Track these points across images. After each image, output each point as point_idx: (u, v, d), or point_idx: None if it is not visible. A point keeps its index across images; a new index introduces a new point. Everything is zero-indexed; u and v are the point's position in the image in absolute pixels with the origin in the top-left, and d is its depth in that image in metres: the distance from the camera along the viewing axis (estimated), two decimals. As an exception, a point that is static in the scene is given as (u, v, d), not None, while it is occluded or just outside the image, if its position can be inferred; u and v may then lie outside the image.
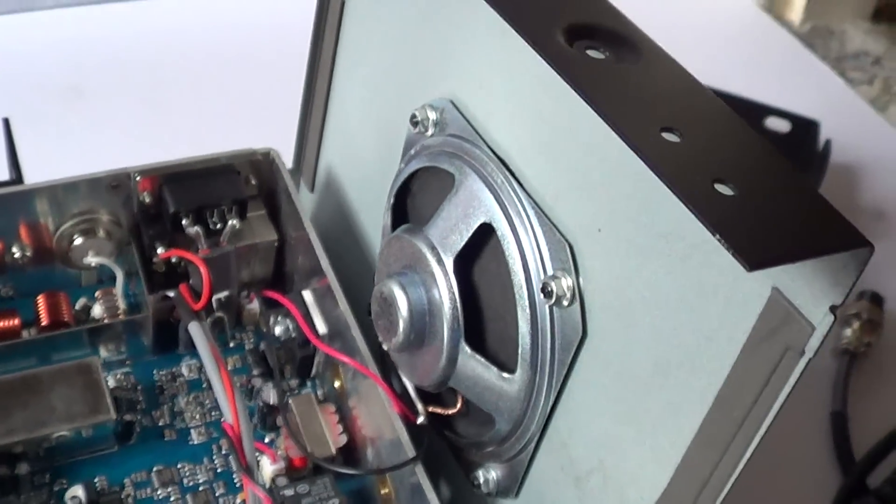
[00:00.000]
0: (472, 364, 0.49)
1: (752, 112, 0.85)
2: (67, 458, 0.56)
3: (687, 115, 0.37)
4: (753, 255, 0.31)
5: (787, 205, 0.34)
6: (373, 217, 0.59)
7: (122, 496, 0.56)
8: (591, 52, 0.39)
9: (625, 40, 0.40)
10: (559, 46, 0.39)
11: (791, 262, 0.32)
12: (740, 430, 0.38)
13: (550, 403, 0.47)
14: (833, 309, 0.34)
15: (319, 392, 0.60)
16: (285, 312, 0.59)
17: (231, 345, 0.62)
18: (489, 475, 0.52)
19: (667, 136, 0.35)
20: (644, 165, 0.36)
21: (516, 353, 0.47)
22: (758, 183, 0.35)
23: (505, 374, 0.48)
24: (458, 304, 0.49)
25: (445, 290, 0.49)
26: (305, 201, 0.67)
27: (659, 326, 0.41)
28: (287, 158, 0.64)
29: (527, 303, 0.46)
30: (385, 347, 0.52)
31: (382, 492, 0.55)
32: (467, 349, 0.49)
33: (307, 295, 0.59)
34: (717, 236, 0.31)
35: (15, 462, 0.54)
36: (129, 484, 0.56)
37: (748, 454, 0.38)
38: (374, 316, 0.52)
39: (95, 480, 0.56)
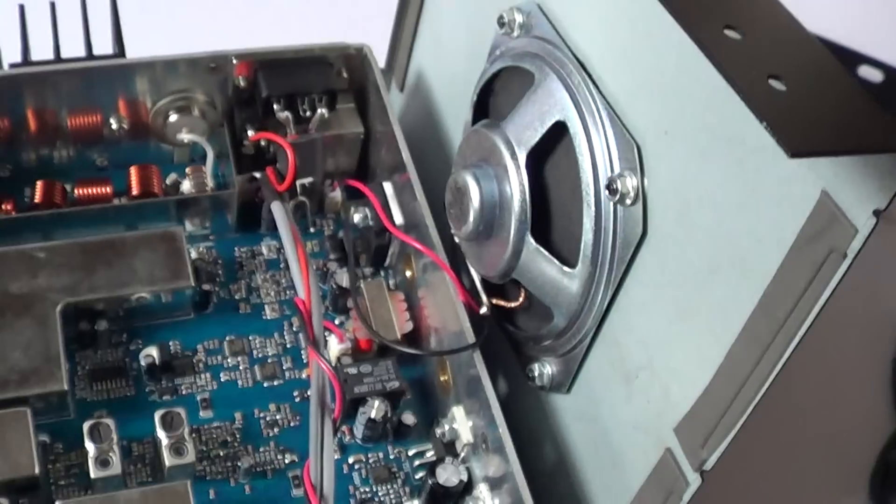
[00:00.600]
0: (536, 257, 0.51)
1: (843, 59, 0.84)
2: (145, 320, 0.59)
3: (750, 13, 0.38)
4: (795, 143, 0.32)
5: (836, 103, 0.35)
6: (456, 119, 0.61)
7: (194, 360, 0.58)
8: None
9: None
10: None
11: (832, 154, 0.33)
12: (781, 330, 0.39)
13: (607, 300, 0.49)
14: (877, 213, 0.35)
15: (391, 281, 0.62)
16: (365, 202, 0.61)
17: (311, 230, 0.64)
18: (544, 369, 0.54)
19: (729, 32, 0.37)
20: (712, 68, 0.37)
21: (578, 249, 0.48)
22: (811, 81, 0.36)
23: (566, 269, 0.49)
24: (528, 198, 0.50)
25: (516, 184, 0.51)
26: (394, 100, 0.69)
27: (714, 228, 0.42)
28: (379, 58, 0.65)
29: (592, 200, 0.47)
30: (455, 236, 0.54)
31: (441, 378, 0.57)
32: (532, 242, 0.50)
33: (388, 186, 0.61)
34: (765, 123, 0.33)
35: (95, 318, 0.57)
36: (202, 350, 0.59)
37: (787, 354, 0.39)
38: (447, 205, 0.54)
39: (170, 343, 0.58)
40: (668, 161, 0.44)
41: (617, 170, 0.47)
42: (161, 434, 0.54)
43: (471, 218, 0.52)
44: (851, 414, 0.66)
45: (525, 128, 0.50)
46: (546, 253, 0.50)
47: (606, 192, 0.47)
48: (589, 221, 0.48)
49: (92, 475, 0.52)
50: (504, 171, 0.51)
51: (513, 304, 0.55)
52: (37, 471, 0.52)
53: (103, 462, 0.53)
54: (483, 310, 0.55)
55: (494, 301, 0.55)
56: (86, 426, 0.53)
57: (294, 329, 0.60)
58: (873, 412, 0.68)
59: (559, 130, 0.49)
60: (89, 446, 0.53)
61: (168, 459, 0.53)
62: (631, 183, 0.46)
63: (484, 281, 0.56)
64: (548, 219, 0.51)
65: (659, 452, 0.46)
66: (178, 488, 0.52)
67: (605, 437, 0.51)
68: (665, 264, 0.45)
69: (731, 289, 0.42)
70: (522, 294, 0.54)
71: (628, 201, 0.46)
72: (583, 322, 0.50)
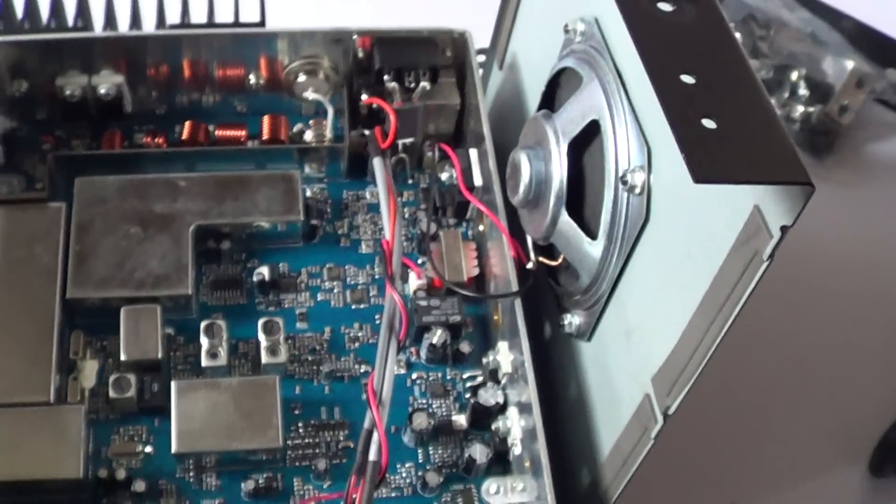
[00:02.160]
0: (568, 227, 0.62)
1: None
2: (261, 244, 0.72)
3: (709, 63, 0.49)
4: (700, 173, 0.43)
5: (756, 141, 0.46)
6: (535, 101, 0.72)
7: (297, 281, 0.72)
8: (661, 5, 0.51)
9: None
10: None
11: (729, 183, 0.44)
12: (721, 310, 0.50)
13: (619, 269, 0.59)
14: (783, 228, 0.46)
15: (469, 233, 0.74)
16: (452, 163, 0.73)
17: (409, 181, 0.76)
18: (573, 319, 0.65)
19: (685, 77, 0.47)
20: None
21: (599, 225, 0.59)
22: (741, 122, 0.46)
23: (589, 240, 0.61)
24: (565, 179, 0.62)
25: (557, 167, 0.62)
26: (494, 77, 0.80)
27: (689, 223, 0.53)
28: (480, 39, 0.77)
29: (612, 187, 0.58)
30: (511, 200, 0.66)
31: (494, 318, 0.69)
32: (566, 215, 0.62)
33: (472, 153, 0.73)
34: (683, 154, 0.43)
35: (221, 239, 0.71)
36: (305, 273, 0.72)
37: (725, 329, 0.50)
38: (507, 176, 0.66)
39: (279, 265, 0.72)
40: (668, 165, 0.55)
41: (631, 165, 0.57)
42: (262, 337, 0.67)
43: (521, 189, 0.64)
44: (857, 393, 0.77)
45: (569, 122, 0.62)
46: (575, 225, 0.61)
47: (621, 183, 0.58)
48: (608, 203, 0.58)
49: (203, 364, 0.66)
50: (550, 155, 0.62)
51: (553, 263, 0.66)
52: (160, 356, 0.66)
53: (213, 354, 0.66)
54: (530, 265, 0.67)
55: (541, 258, 0.67)
56: (203, 324, 0.67)
57: (382, 265, 0.73)
58: (883, 393, 0.78)
59: (594, 127, 0.60)
60: (203, 341, 0.67)
61: (265, 358, 0.67)
62: (640, 178, 0.57)
63: (535, 242, 0.67)
64: (580, 198, 0.62)
65: (641, 397, 0.57)
66: (269, 381, 0.65)
67: (609, 381, 0.62)
68: (657, 246, 0.56)
69: (694, 273, 0.52)
70: (561, 256, 0.66)
71: (637, 192, 0.57)
72: (600, 284, 0.61)
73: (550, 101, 0.67)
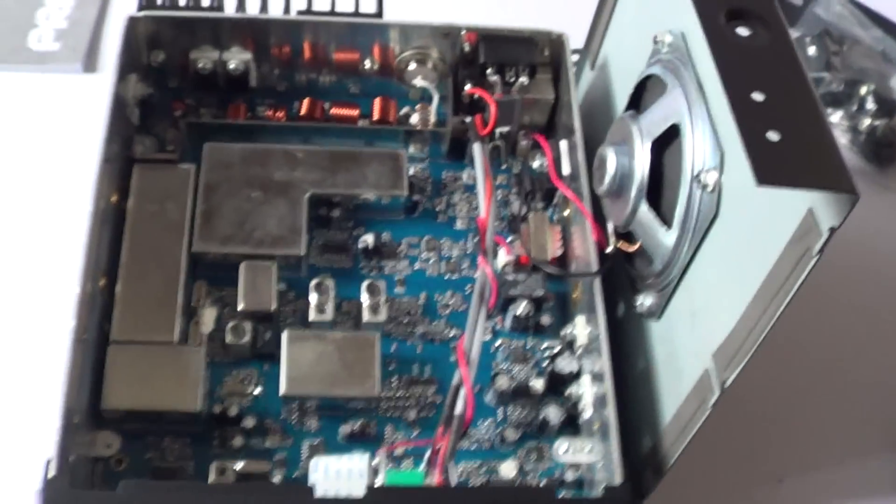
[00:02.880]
0: (646, 217, 0.69)
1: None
2: (367, 214, 0.80)
3: (776, 83, 0.56)
4: (763, 177, 0.50)
5: (811, 153, 0.53)
6: (622, 103, 0.79)
7: (398, 250, 0.79)
8: (739, 30, 0.58)
9: (764, 22, 0.58)
10: (718, 23, 0.58)
11: (788, 187, 0.51)
12: (776, 297, 0.57)
13: (689, 256, 0.66)
14: (831, 229, 0.52)
15: (555, 217, 0.81)
16: (544, 152, 0.80)
17: (503, 167, 0.84)
18: (645, 300, 0.72)
19: (755, 95, 0.54)
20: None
21: (674, 217, 0.66)
22: (801, 137, 0.53)
23: (664, 229, 0.68)
24: (646, 174, 0.68)
25: (640, 162, 0.69)
26: (586, 76, 0.87)
27: (753, 221, 0.60)
28: (575, 40, 0.84)
29: (687, 184, 0.65)
30: (596, 190, 0.73)
31: (574, 295, 0.76)
32: (645, 206, 0.69)
33: (563, 144, 0.80)
34: (750, 161, 0.51)
35: (332, 207, 0.79)
36: (405, 243, 0.80)
37: (778, 314, 0.57)
38: (594, 167, 0.73)
39: (382, 234, 0.79)
40: (737, 168, 0.62)
41: (706, 166, 0.64)
42: (364, 297, 0.75)
43: (606, 181, 0.71)
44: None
45: (653, 123, 0.68)
46: (653, 216, 0.68)
47: (696, 181, 0.64)
48: (683, 199, 0.65)
49: (310, 318, 0.74)
50: (634, 152, 0.69)
51: (630, 249, 0.73)
52: (273, 307, 0.73)
53: (321, 310, 0.74)
54: (609, 248, 0.74)
55: (620, 244, 0.74)
56: (313, 282, 0.75)
57: (475, 240, 0.80)
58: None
59: (675, 130, 0.67)
60: (312, 297, 0.74)
61: (366, 317, 0.74)
62: (713, 177, 0.63)
63: (615, 228, 0.74)
64: (658, 191, 0.68)
65: (701, 371, 0.64)
66: (370, 337, 0.73)
67: (674, 356, 0.69)
68: (724, 238, 0.63)
69: (754, 263, 0.59)
70: (638, 242, 0.73)
71: (709, 190, 0.63)
72: (671, 269, 0.68)
73: (637, 102, 0.74)
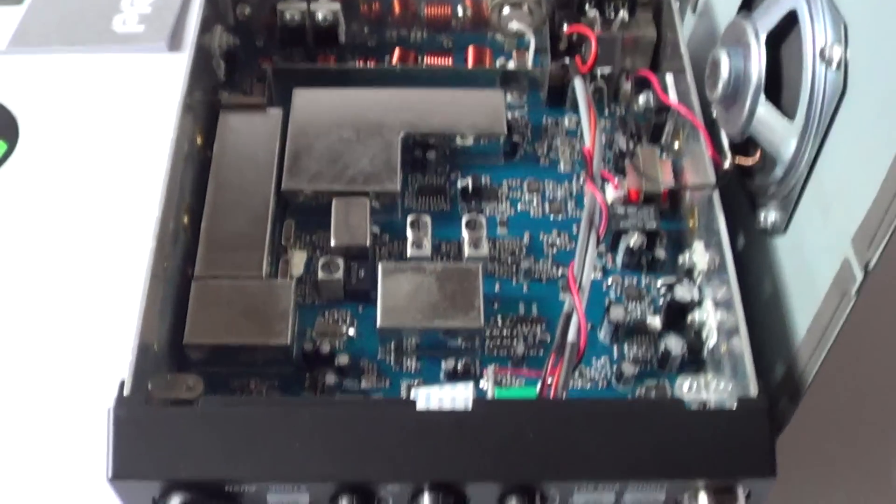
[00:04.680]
0: (766, 114, 0.64)
1: None
2: (464, 160, 0.76)
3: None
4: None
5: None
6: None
7: (499, 192, 0.75)
8: None
9: None
10: None
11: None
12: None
13: (816, 146, 0.61)
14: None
15: (664, 155, 0.76)
16: (650, 87, 0.76)
17: (605, 112, 0.79)
18: (768, 214, 0.66)
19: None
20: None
21: (797, 106, 0.61)
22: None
23: (787, 121, 0.62)
24: (763, 68, 0.64)
25: (756, 59, 0.64)
26: (688, 21, 0.83)
27: (884, 92, 0.54)
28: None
29: (809, 68, 0.60)
30: (709, 98, 0.68)
31: (690, 224, 0.71)
32: (764, 101, 0.64)
33: (668, 76, 0.75)
34: None
35: (427, 149, 0.75)
36: (506, 186, 0.75)
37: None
38: (706, 76, 0.68)
39: (482, 178, 0.75)
40: (862, 39, 0.57)
41: (829, 41, 0.59)
42: (465, 233, 0.70)
43: (720, 85, 0.66)
44: None
45: (767, 15, 0.64)
46: (774, 109, 0.63)
47: (819, 58, 0.59)
48: (806, 83, 0.60)
49: (408, 254, 0.69)
50: (749, 50, 0.64)
51: (749, 161, 0.68)
52: (367, 242, 0.69)
53: (418, 245, 0.70)
54: (726, 164, 0.69)
55: (737, 159, 0.69)
56: (409, 218, 0.70)
57: (580, 181, 0.75)
58: None
59: (791, 21, 0.62)
60: (409, 233, 0.70)
61: (467, 251, 0.69)
62: (838, 52, 0.58)
63: (730, 145, 0.69)
64: (777, 88, 0.64)
65: (840, 262, 0.58)
66: (472, 268, 0.68)
67: (805, 265, 0.63)
68: (853, 117, 0.58)
69: (888, 131, 0.54)
70: (758, 153, 0.67)
71: (834, 66, 0.58)
72: (797, 169, 0.63)
73: (748, 4, 0.69)
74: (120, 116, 0.86)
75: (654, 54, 0.79)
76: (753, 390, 0.59)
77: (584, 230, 0.66)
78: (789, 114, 0.62)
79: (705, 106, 0.71)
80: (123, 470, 0.55)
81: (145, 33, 0.89)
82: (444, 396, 0.61)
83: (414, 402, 0.58)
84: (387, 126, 0.73)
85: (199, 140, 0.72)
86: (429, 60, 0.80)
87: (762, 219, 0.67)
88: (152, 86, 0.87)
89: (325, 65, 0.78)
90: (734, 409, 0.59)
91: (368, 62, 0.79)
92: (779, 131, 0.63)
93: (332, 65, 0.78)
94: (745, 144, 0.68)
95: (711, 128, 0.70)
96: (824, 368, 0.61)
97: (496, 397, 0.61)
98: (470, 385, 0.62)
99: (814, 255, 0.62)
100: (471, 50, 0.80)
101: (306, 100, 0.75)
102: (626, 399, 0.65)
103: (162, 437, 0.56)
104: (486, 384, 0.63)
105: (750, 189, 0.68)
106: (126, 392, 0.57)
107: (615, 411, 0.59)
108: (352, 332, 0.68)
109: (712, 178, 0.67)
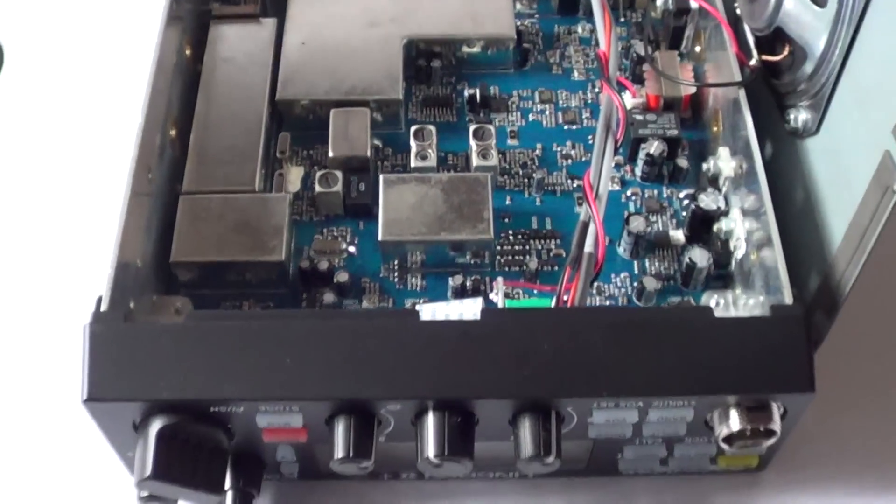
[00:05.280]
0: (794, 2, 0.59)
1: None
2: (472, 69, 0.71)
3: None
4: None
5: None
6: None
7: (509, 102, 0.70)
8: None
9: None
10: None
11: None
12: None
13: (850, 36, 0.56)
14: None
15: (684, 60, 0.71)
16: (666, -9, 0.71)
17: (622, 20, 0.74)
18: (798, 114, 0.61)
19: None
20: None
21: (829, -9, 0.56)
22: None
23: (817, 9, 0.57)
24: (793, -49, 0.59)
25: (785, -58, 0.59)
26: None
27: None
28: None
29: (843, -53, 0.55)
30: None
31: (714, 129, 0.66)
32: (793, -13, 0.59)
33: (689, -24, 0.70)
34: None
35: (431, 58, 0.70)
36: (516, 95, 0.70)
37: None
38: (730, -33, 0.63)
39: (490, 87, 0.70)
40: None
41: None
42: (472, 142, 0.65)
43: (746, -27, 0.61)
44: None
45: None
46: (803, -5, 0.58)
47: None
48: (840, -36, 0.55)
49: (412, 165, 0.65)
50: (775, -64, 0.59)
51: (777, 58, 0.63)
52: (368, 153, 0.64)
53: (422, 156, 0.65)
54: (752, 62, 0.64)
55: (763, 57, 0.64)
56: (413, 128, 0.65)
57: (595, 89, 0.70)
58: None
59: None
60: (413, 144, 0.65)
61: (475, 161, 0.65)
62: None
63: (756, 43, 0.64)
64: (808, -29, 0.59)
65: (880, 155, 0.53)
66: (480, 177, 0.63)
67: (839, 165, 0.58)
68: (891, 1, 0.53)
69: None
70: (786, 48, 0.62)
71: (868, -54, 0.53)
72: (829, 62, 0.57)
73: None
74: (110, 31, 0.82)
75: (672, -44, 0.73)
76: (788, 299, 0.54)
77: (600, 136, 0.61)
78: (819, 1, 0.57)
79: (727, 4, 0.66)
80: (99, 391, 0.51)
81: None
82: (450, 311, 0.56)
83: (417, 313, 0.53)
84: (388, 32, 0.69)
85: (187, 52, 0.67)
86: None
87: (792, 120, 0.62)
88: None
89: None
90: (768, 316, 0.53)
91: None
92: (808, 21, 0.58)
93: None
94: (771, 40, 0.63)
95: (735, 25, 0.65)
96: (864, 276, 0.55)
97: (507, 308, 0.56)
98: (479, 300, 0.57)
99: (850, 154, 0.57)
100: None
101: (301, 7, 0.70)
102: (650, 308, 0.60)
103: (142, 355, 0.51)
104: (495, 297, 0.58)
105: (777, 89, 0.63)
106: (104, 308, 0.53)
107: (638, 321, 0.54)
108: (352, 249, 0.63)
109: (738, 75, 0.62)
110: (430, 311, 0.56)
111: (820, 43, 0.57)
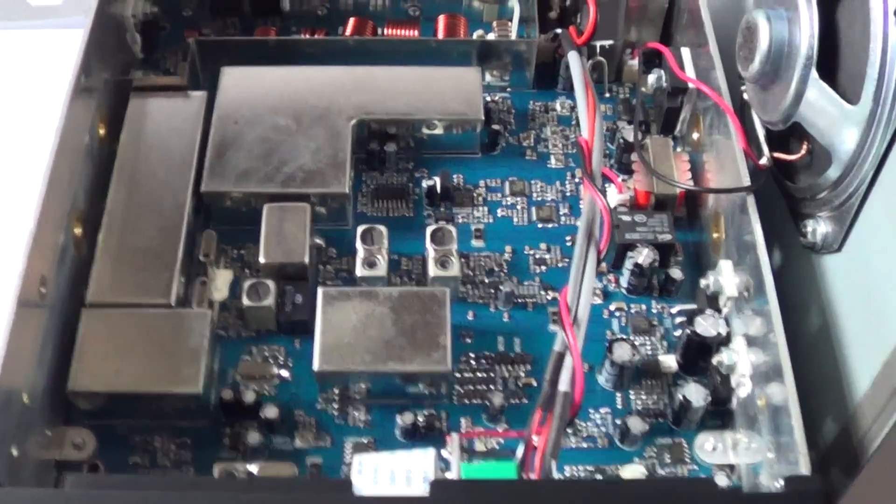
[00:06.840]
0: (819, 96, 0.50)
1: None
2: (432, 152, 0.62)
3: None
4: None
5: None
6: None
7: (474, 194, 0.60)
8: None
9: None
10: None
11: None
12: None
13: (887, 140, 0.47)
14: None
15: (678, 148, 0.62)
16: (662, 65, 0.61)
17: (607, 95, 0.65)
18: (818, 226, 0.52)
19: None
20: None
21: (861, 87, 0.47)
22: None
23: (847, 106, 0.48)
24: (816, 36, 0.50)
25: (806, 22, 0.50)
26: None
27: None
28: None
29: (880, 35, 0.46)
30: (743, 78, 0.54)
31: (714, 236, 0.57)
32: (816, 80, 0.49)
33: (685, 51, 0.61)
34: None
35: (385, 141, 0.60)
36: (483, 186, 0.61)
37: None
38: (738, 47, 0.55)
39: (453, 176, 0.60)
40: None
41: (910, -2, 0.45)
42: (430, 247, 0.56)
43: (758, 58, 0.53)
44: None
45: (821, -31, 0.49)
46: (830, 90, 0.49)
47: (893, 16, 0.45)
48: (875, 54, 0.46)
49: (358, 274, 0.55)
50: (795, 11, 0.51)
51: (793, 157, 0.54)
52: (306, 260, 0.54)
53: (370, 263, 0.56)
54: (763, 160, 0.54)
55: (775, 154, 0.54)
56: (360, 229, 0.56)
57: (576, 180, 0.61)
58: None
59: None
60: (359, 247, 0.56)
61: (433, 271, 0.56)
62: (920, 9, 0.44)
63: (766, 136, 0.55)
64: (835, 59, 0.50)
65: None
66: (437, 293, 0.54)
67: (871, 290, 0.49)
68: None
69: None
70: (804, 147, 0.53)
71: (915, 29, 0.44)
72: (860, 167, 0.49)
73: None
74: (33, 101, 0.72)
75: (665, 24, 0.65)
76: (805, 468, 0.44)
77: (580, 246, 0.52)
78: (849, 95, 0.49)
79: (732, 87, 0.57)
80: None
81: (64, 6, 0.77)
82: (396, 467, 0.46)
83: (350, 485, 0.43)
84: (335, 112, 0.59)
85: (101, 130, 0.58)
86: (390, 32, 0.66)
87: (810, 233, 0.53)
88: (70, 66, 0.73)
89: (260, 37, 0.63)
90: (781, 489, 0.44)
91: (316, 34, 0.64)
92: (835, 118, 0.49)
93: (270, 37, 0.63)
94: (785, 134, 0.54)
95: (741, 111, 0.56)
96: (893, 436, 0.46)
97: (462, 476, 0.46)
98: (431, 452, 0.47)
99: (881, 279, 0.48)
100: (442, 19, 0.66)
101: (236, 79, 0.61)
102: (636, 480, 0.50)
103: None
104: (449, 455, 0.48)
105: (792, 193, 0.54)
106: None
107: (622, 497, 0.44)
108: (285, 373, 0.54)
109: (744, 171, 0.52)
110: (371, 469, 0.46)
111: (848, 145, 0.49)
